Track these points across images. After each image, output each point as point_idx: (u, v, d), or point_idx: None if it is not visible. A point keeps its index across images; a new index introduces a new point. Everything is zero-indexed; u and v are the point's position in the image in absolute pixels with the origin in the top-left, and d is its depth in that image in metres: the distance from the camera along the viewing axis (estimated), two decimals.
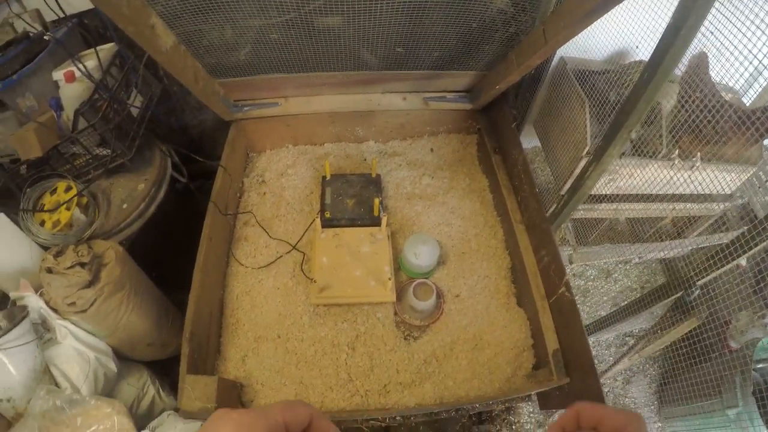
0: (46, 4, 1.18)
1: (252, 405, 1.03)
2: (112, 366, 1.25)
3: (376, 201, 1.17)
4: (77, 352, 1.17)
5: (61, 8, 1.20)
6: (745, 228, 1.05)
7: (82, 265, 1.15)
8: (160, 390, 1.37)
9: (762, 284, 1.78)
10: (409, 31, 1.13)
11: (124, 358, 1.33)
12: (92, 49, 1.29)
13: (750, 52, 0.99)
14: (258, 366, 1.06)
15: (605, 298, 1.91)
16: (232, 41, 1.21)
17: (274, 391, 1.03)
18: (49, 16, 1.28)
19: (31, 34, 1.27)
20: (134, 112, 1.37)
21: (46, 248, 1.17)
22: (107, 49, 1.36)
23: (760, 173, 1.79)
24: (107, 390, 1.23)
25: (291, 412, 0.32)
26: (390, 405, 1.04)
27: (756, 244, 1.03)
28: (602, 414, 0.36)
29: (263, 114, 1.29)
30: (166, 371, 1.44)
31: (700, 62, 1.33)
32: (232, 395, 1.00)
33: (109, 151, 1.35)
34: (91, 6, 1.30)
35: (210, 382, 0.91)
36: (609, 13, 0.89)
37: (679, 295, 1.16)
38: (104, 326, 1.22)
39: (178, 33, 1.02)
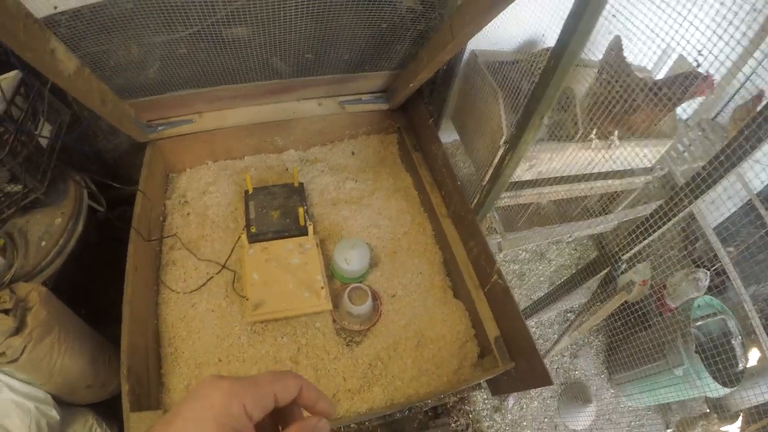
0: None
1: None
2: (55, 414, 1.17)
3: (301, 210, 1.15)
4: (15, 404, 1.10)
5: None
6: (664, 200, 1.12)
7: (6, 311, 1.08)
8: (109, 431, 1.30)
9: (690, 247, 1.90)
10: (318, 36, 1.12)
11: (65, 403, 1.25)
12: None
13: (661, 30, 1.04)
14: None
15: (542, 278, 1.98)
16: (139, 59, 1.16)
17: None
18: None
19: None
20: (43, 142, 1.28)
21: None
22: (10, 77, 1.27)
23: (678, 145, 1.93)
24: None
25: (280, 383, 0.32)
26: (342, 414, 1.03)
27: (675, 214, 1.09)
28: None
29: (178, 132, 1.25)
30: (112, 411, 1.37)
31: (615, 45, 1.41)
32: None
33: (20, 186, 1.26)
34: None
35: (155, 417, 0.89)
36: (515, 4, 0.90)
37: (607, 270, 1.21)
38: (39, 373, 1.14)
39: (82, 55, 0.97)
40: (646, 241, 1.15)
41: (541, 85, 1.04)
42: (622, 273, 1.14)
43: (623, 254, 1.13)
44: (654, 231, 1.14)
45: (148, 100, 1.18)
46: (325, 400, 0.35)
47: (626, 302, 1.41)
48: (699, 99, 1.78)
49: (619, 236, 1.20)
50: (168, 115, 1.24)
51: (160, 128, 1.23)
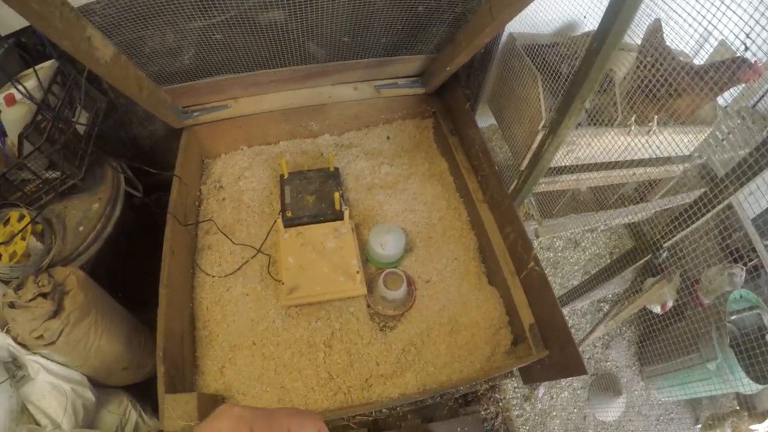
0: None
1: None
2: (90, 395, 1.20)
3: (337, 195, 1.15)
4: (52, 386, 1.12)
5: None
6: (707, 188, 1.08)
7: (44, 295, 1.11)
8: (143, 413, 1.33)
9: (727, 240, 1.84)
10: (355, 20, 1.10)
11: (101, 385, 1.29)
12: (31, 69, 1.23)
13: (698, 13, 1.00)
14: (237, 376, 1.04)
15: (576, 267, 1.94)
16: (175, 46, 1.17)
17: (256, 399, 1.02)
18: None
19: None
20: (80, 129, 1.31)
21: (5, 282, 1.12)
22: (47, 66, 1.30)
23: (717, 132, 1.85)
24: (88, 421, 1.19)
25: (298, 419, 0.32)
26: (374, 398, 1.03)
27: (719, 203, 1.05)
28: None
29: (214, 118, 1.25)
30: (146, 393, 1.40)
31: (655, 28, 1.36)
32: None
33: (58, 173, 1.29)
34: (27, 24, 1.23)
35: (190, 399, 0.89)
36: None
37: (647, 258, 1.18)
38: (76, 356, 1.17)
39: (118, 42, 0.98)
40: (688, 230, 1.11)
41: (584, 69, 1.01)
42: (662, 260, 1.11)
43: (665, 242, 1.09)
44: (696, 219, 1.10)
45: (183, 86, 1.19)
46: None
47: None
48: (739, 86, 1.71)
49: (659, 224, 1.17)
50: (203, 101, 1.24)
51: (195, 114, 1.24)
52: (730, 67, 1.30)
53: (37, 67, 1.22)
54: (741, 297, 1.80)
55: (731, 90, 1.66)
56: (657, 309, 1.38)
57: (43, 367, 1.11)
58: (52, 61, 1.30)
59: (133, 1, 0.96)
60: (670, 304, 1.38)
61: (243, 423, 0.31)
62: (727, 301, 1.74)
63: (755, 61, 1.29)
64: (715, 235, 1.79)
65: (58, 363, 1.15)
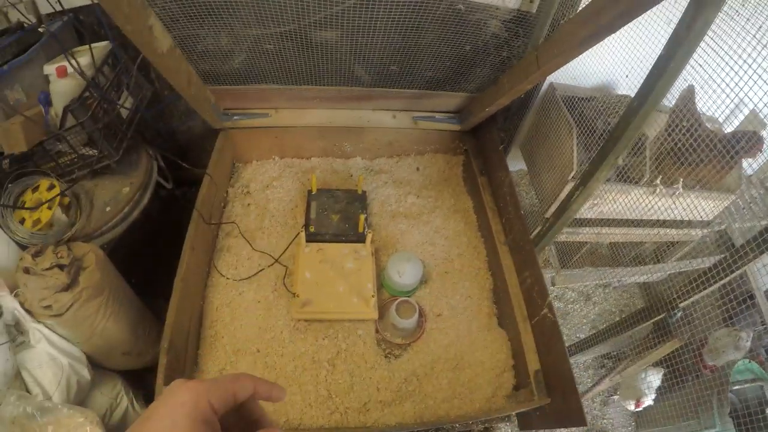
0: None
1: None
2: (86, 374, 1.20)
3: (362, 217, 1.16)
4: (51, 357, 1.13)
5: (59, 1, 1.17)
6: (726, 254, 1.08)
7: (61, 267, 1.11)
8: (134, 401, 1.33)
9: (738, 308, 1.82)
10: (404, 50, 1.14)
11: (98, 366, 1.29)
12: (86, 46, 1.26)
13: (736, 84, 1.03)
14: None
15: (584, 320, 1.93)
16: (227, 49, 1.20)
17: None
18: (45, 9, 1.26)
19: (25, 25, 1.24)
20: (123, 113, 1.34)
21: (24, 247, 1.13)
22: (101, 47, 1.34)
23: (739, 201, 1.85)
24: (80, 398, 1.19)
25: (238, 382, 0.37)
26: (370, 423, 1.03)
27: (737, 269, 1.06)
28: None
29: (252, 124, 1.28)
30: (140, 382, 1.40)
31: (688, 94, 1.38)
32: None
33: (95, 151, 1.31)
34: (88, 1, 1.28)
35: None
36: (600, 42, 0.91)
37: (662, 316, 1.18)
38: (80, 332, 1.18)
39: (175, 36, 1.01)
40: (705, 291, 1.11)
41: (621, 126, 1.03)
42: (676, 321, 1.11)
43: (680, 302, 1.09)
44: (714, 283, 1.11)
45: (229, 88, 1.22)
46: (276, 390, 0.40)
47: (668, 356, 1.36)
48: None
49: (676, 285, 1.17)
50: (246, 106, 1.27)
51: (235, 118, 1.27)
52: (741, 140, 1.31)
53: (92, 46, 1.26)
54: (746, 368, 1.77)
55: (759, 161, 1.68)
56: (631, 406, 1.39)
57: (45, 336, 1.11)
58: (106, 42, 1.35)
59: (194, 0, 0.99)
60: (645, 401, 1.39)
61: (201, 395, 0.34)
62: (731, 369, 1.71)
63: (761, 135, 1.30)
64: (724, 302, 1.78)
65: (61, 336, 1.15)
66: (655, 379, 1.44)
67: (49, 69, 1.22)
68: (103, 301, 1.18)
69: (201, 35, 1.11)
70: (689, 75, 1.20)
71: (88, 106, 1.22)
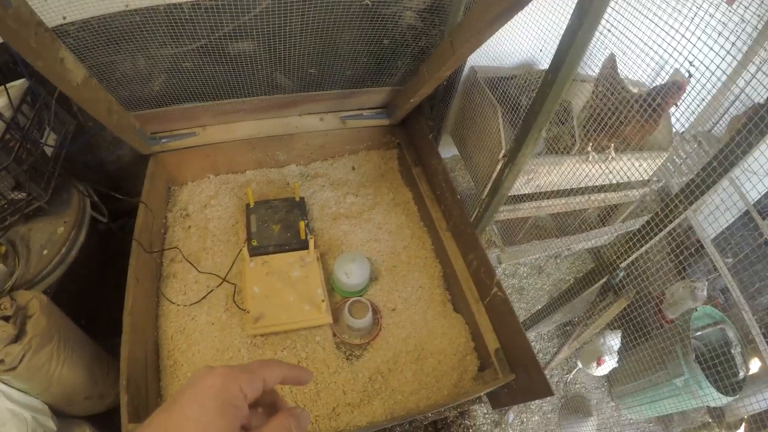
0: None
1: None
2: (52, 425, 1.16)
3: (302, 224, 1.16)
4: (12, 413, 1.08)
5: None
6: (657, 209, 1.13)
7: (6, 318, 1.08)
8: None
9: (687, 261, 1.91)
10: (321, 52, 1.14)
11: (62, 414, 1.24)
12: (1, 87, 1.22)
13: (654, 44, 1.08)
14: None
15: (541, 293, 1.99)
16: (146, 72, 1.18)
17: None
18: None
19: None
20: (48, 151, 1.29)
21: None
22: (18, 85, 1.28)
23: (674, 157, 1.94)
24: None
25: (268, 368, 0.36)
26: (342, 427, 1.02)
27: (670, 221, 1.10)
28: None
29: (181, 145, 1.26)
30: (109, 423, 1.36)
31: (610, 62, 1.44)
32: None
33: (24, 194, 1.27)
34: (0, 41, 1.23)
35: None
36: (513, 21, 0.92)
37: (605, 279, 1.22)
38: (36, 383, 1.14)
39: (90, 65, 0.99)
40: (642, 249, 1.16)
41: (540, 99, 1.05)
42: (619, 281, 1.15)
43: (620, 262, 1.13)
44: (649, 239, 1.15)
45: (152, 112, 1.20)
46: (305, 373, 0.40)
47: (624, 311, 1.42)
48: (697, 112, 1.80)
49: (616, 245, 1.22)
50: (172, 128, 1.25)
51: (163, 141, 1.24)
52: (663, 91, 1.38)
53: (8, 85, 1.21)
54: (705, 314, 1.86)
55: (689, 116, 1.77)
56: (593, 369, 1.44)
57: (3, 393, 1.07)
58: (23, 80, 1.29)
59: (105, 26, 0.97)
60: (605, 359, 1.44)
61: (231, 379, 0.33)
62: (691, 317, 1.80)
63: (683, 81, 1.37)
64: (672, 254, 1.87)
65: (19, 390, 1.11)
66: (614, 341, 1.49)
67: None
68: (54, 348, 1.14)
69: (116, 61, 1.09)
70: (611, 42, 1.26)
71: (10, 149, 1.17)
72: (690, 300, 1.77)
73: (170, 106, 1.21)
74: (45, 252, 1.26)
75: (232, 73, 1.16)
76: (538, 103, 1.06)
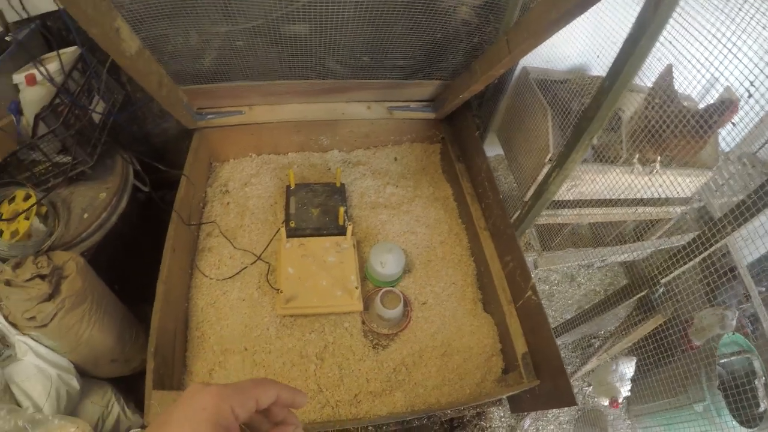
0: (9, 4, 1.13)
1: None
2: (75, 384, 1.19)
3: (341, 210, 1.16)
4: (38, 369, 1.12)
5: (24, 9, 1.15)
6: (705, 228, 1.10)
7: (42, 277, 1.10)
8: (125, 408, 1.32)
9: (719, 281, 1.86)
10: (375, 41, 1.13)
11: (86, 375, 1.28)
12: (54, 52, 1.25)
13: (707, 60, 1.04)
14: (225, 379, 1.04)
15: (570, 301, 1.96)
16: (198, 47, 1.19)
17: None
18: (11, 17, 1.23)
19: None
20: (96, 118, 1.32)
21: (3, 260, 1.12)
22: (70, 52, 1.32)
23: (717, 177, 1.88)
24: (70, 409, 1.18)
25: (261, 388, 0.36)
26: (361, 415, 1.03)
27: (715, 242, 1.07)
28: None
29: (227, 122, 1.27)
30: (130, 388, 1.39)
31: (666, 73, 1.40)
32: None
33: (69, 158, 1.30)
34: (55, 8, 1.26)
35: (176, 397, 0.89)
36: (571, 24, 0.91)
37: (643, 293, 1.19)
38: (66, 342, 1.17)
39: (143, 37, 1.00)
40: (685, 267, 1.13)
41: (594, 105, 1.03)
42: (658, 297, 1.12)
43: (662, 278, 1.11)
44: (692, 258, 1.12)
45: (201, 87, 1.21)
46: (300, 396, 0.40)
47: (654, 332, 1.38)
48: (744, 132, 1.74)
49: (657, 261, 1.19)
50: (219, 105, 1.26)
51: (209, 117, 1.25)
52: (716, 110, 1.33)
53: (60, 52, 1.24)
54: (732, 341, 1.81)
55: (735, 136, 1.70)
56: (606, 402, 1.40)
57: (31, 348, 1.10)
58: (75, 47, 1.33)
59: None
60: (620, 399, 1.40)
61: (223, 400, 0.33)
62: (718, 343, 1.75)
63: (736, 101, 1.32)
64: (705, 276, 1.81)
65: (47, 347, 1.14)
66: (627, 369, 1.45)
67: (18, 78, 1.20)
68: (86, 309, 1.17)
69: (170, 35, 1.10)
70: (663, 54, 1.22)
71: (59, 113, 1.20)
72: (718, 328, 1.72)
73: (219, 83, 1.22)
74: (85, 216, 1.29)
75: (284, 55, 1.16)
76: (592, 110, 1.03)
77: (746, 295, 1.75)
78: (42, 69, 1.18)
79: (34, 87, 1.21)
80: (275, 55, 1.16)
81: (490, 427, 1.53)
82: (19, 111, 1.22)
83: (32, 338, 1.10)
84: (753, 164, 2.01)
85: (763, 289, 1.82)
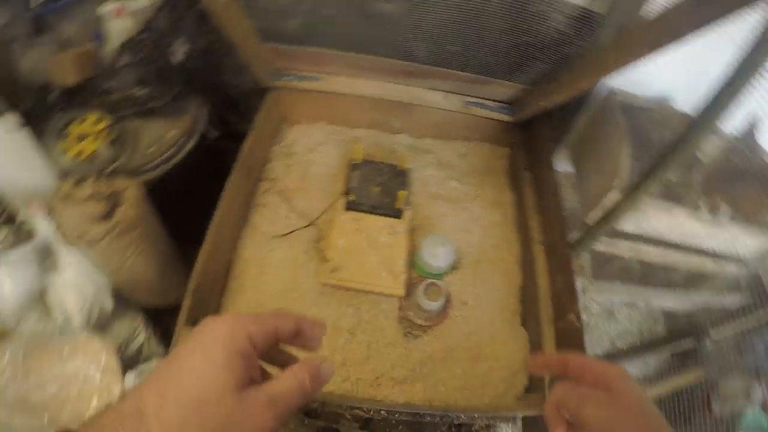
0: None
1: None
2: (109, 304, 1.23)
3: (402, 194, 1.16)
4: (76, 283, 1.15)
5: None
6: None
7: (100, 198, 1.14)
8: (152, 337, 1.36)
9: (754, 356, 1.76)
10: (465, 32, 1.13)
11: (120, 299, 1.32)
12: None
13: None
14: None
15: (605, 337, 1.89)
16: (287, 7, 1.21)
17: None
18: None
19: None
20: (177, 59, 1.36)
21: (64, 177, 1.16)
22: None
23: None
24: (99, 327, 1.23)
25: (281, 318, 0.35)
26: (379, 398, 1.03)
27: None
28: (586, 363, 0.37)
29: (302, 86, 1.28)
30: (159, 320, 1.43)
31: (752, 124, 1.34)
32: None
33: (145, 91, 1.34)
34: None
35: None
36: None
37: (689, 344, 1.15)
38: (109, 263, 1.21)
39: None
40: (737, 329, 1.08)
41: (680, 141, 1.00)
42: (706, 347, 1.08)
43: (714, 333, 1.06)
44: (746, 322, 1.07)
45: (284, 48, 1.23)
46: (319, 327, 0.38)
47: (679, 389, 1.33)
48: None
49: (702, 316, 1.14)
50: (298, 68, 1.27)
51: (286, 78, 1.27)
52: None
53: None
54: (756, 422, 1.72)
55: None
56: None
57: (73, 263, 1.13)
58: None
59: None
60: None
61: (239, 327, 0.31)
62: (741, 417, 1.66)
63: None
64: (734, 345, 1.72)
65: (89, 265, 1.17)
66: None
67: (105, 8, 1.24)
68: (135, 237, 1.21)
69: None
70: (750, 103, 1.16)
71: (142, 47, 1.24)
72: (742, 397, 1.63)
73: (302, 46, 1.23)
74: (151, 149, 1.33)
75: (370, 30, 1.17)
76: (677, 145, 1.00)
77: None
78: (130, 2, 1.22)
79: (119, 18, 1.25)
80: (362, 29, 1.17)
81: None
82: (102, 39, 1.26)
83: (77, 254, 1.14)
84: None
85: None
